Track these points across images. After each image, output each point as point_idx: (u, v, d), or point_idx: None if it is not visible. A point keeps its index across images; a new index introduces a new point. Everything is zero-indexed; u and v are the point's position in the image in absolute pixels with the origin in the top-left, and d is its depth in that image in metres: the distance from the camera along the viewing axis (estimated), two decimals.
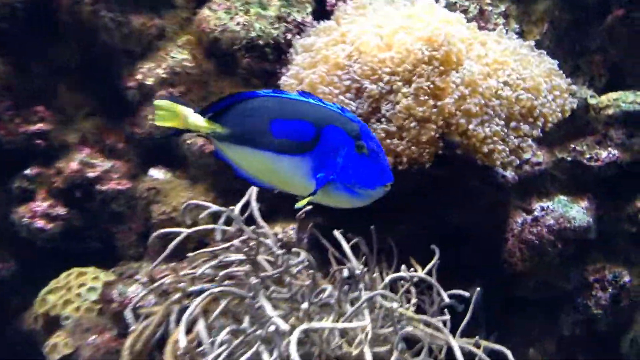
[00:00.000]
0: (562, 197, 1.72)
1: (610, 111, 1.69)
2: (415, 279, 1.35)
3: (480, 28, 1.65)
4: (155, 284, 1.34)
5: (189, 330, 1.26)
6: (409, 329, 1.20)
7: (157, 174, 1.77)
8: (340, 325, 1.15)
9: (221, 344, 1.19)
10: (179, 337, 1.19)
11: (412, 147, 1.32)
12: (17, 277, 1.84)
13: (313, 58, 1.43)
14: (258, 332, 1.17)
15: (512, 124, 1.36)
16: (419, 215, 1.60)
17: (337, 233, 1.41)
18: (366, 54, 1.35)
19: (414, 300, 1.34)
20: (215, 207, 1.42)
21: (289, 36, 1.66)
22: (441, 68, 1.33)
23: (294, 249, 1.35)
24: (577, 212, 1.68)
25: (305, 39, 1.53)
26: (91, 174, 1.76)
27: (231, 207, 1.40)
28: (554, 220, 1.67)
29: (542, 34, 1.75)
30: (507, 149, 1.34)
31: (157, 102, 1.22)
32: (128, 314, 1.34)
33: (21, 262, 1.84)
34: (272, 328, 1.10)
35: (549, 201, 1.71)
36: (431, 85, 1.32)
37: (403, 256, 1.49)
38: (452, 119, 1.32)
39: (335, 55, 1.38)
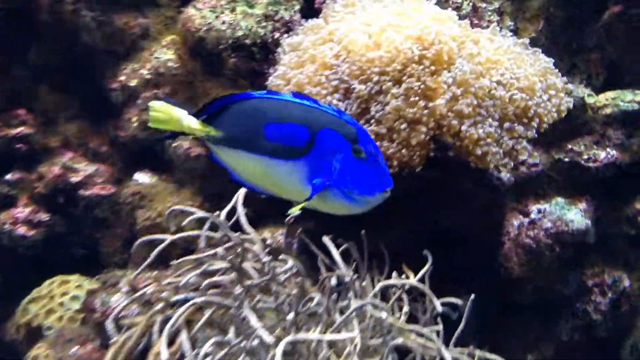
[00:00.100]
0: (560, 199, 1.69)
1: (608, 110, 1.66)
2: (407, 287, 1.32)
3: (474, 25, 1.62)
4: (137, 294, 1.31)
5: (172, 342, 1.24)
6: (399, 340, 1.17)
7: (142, 178, 1.73)
8: (328, 337, 1.11)
9: (205, 356, 1.15)
10: (161, 350, 1.16)
11: (403, 150, 1.29)
12: None
13: (300, 58, 1.39)
14: (243, 343, 1.14)
15: (506, 124, 1.32)
16: (412, 220, 1.57)
17: (326, 239, 1.38)
18: (354, 53, 1.31)
19: (406, 309, 1.31)
20: (200, 213, 1.38)
21: (277, 35, 1.62)
22: (432, 68, 1.29)
23: (281, 256, 1.31)
24: (575, 214, 1.65)
25: (293, 38, 1.49)
26: (74, 178, 1.73)
27: (216, 213, 1.37)
28: (551, 223, 1.64)
29: (538, 31, 1.71)
30: (501, 151, 1.31)
31: (151, 104, 1.19)
32: (109, 325, 1.30)
33: (2, 271, 1.81)
34: (256, 341, 1.07)
35: (546, 203, 1.68)
36: (422, 86, 1.28)
37: (396, 261, 1.46)
38: (443, 120, 1.28)
39: (322, 55, 1.34)
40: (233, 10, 1.62)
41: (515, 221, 1.69)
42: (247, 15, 1.62)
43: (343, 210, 1.14)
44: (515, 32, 1.72)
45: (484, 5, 1.66)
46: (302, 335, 1.11)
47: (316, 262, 1.49)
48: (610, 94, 1.68)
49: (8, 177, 1.75)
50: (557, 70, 1.44)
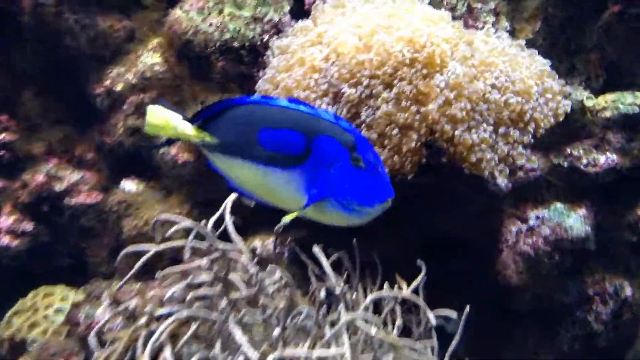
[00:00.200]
0: (559, 205, 1.66)
1: (607, 113, 1.63)
2: (399, 298, 1.28)
3: (469, 26, 1.59)
4: (120, 307, 1.27)
5: (156, 357, 1.20)
6: (390, 357, 1.13)
7: (129, 185, 1.70)
8: (317, 352, 1.08)
9: None
10: None
11: (395, 157, 1.25)
12: None
13: (289, 61, 1.36)
14: (228, 359, 1.11)
15: (501, 129, 1.29)
16: (407, 227, 1.55)
17: (316, 249, 1.34)
18: (344, 55, 1.28)
19: (399, 322, 1.27)
20: (186, 222, 1.34)
21: (266, 37, 1.59)
22: (424, 71, 1.26)
23: (269, 267, 1.27)
24: (574, 220, 1.63)
25: (282, 40, 1.46)
26: (59, 186, 1.70)
27: (202, 222, 1.33)
28: (550, 229, 1.62)
29: (535, 32, 1.68)
30: (496, 157, 1.27)
31: (149, 108, 1.17)
32: (92, 340, 1.26)
33: None
34: (242, 357, 1.04)
35: (545, 209, 1.66)
36: (414, 90, 1.25)
37: (391, 269, 1.43)
38: (436, 125, 1.25)
39: (311, 58, 1.31)
40: (221, 12, 1.59)
41: (513, 228, 1.67)
42: (235, 17, 1.58)
43: (342, 221, 1.12)
44: (512, 33, 1.69)
45: (479, 5, 1.62)
46: (289, 351, 1.08)
47: (308, 272, 1.46)
48: (609, 97, 1.65)
49: None
50: (554, 72, 1.41)
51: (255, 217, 1.59)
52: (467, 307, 1.27)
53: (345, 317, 1.15)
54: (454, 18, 1.49)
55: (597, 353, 1.71)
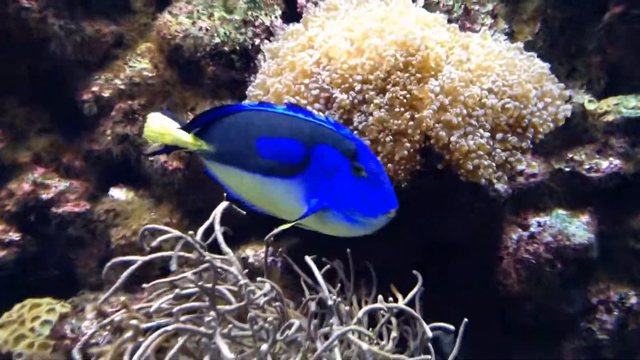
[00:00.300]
0: (561, 212, 1.65)
1: (610, 117, 1.61)
2: (395, 310, 1.26)
3: (466, 29, 1.58)
4: (106, 321, 1.25)
5: None
6: None
7: (118, 194, 1.68)
8: None
9: None
10: None
11: (388, 164, 1.23)
12: None
13: (279, 65, 1.35)
14: None
15: (499, 135, 1.27)
16: (405, 234, 1.52)
17: (308, 259, 1.32)
18: (335, 60, 1.26)
19: (394, 334, 1.25)
20: (174, 233, 1.32)
21: (257, 41, 1.58)
22: (418, 75, 1.24)
23: (258, 279, 1.25)
24: (577, 227, 1.61)
25: (273, 44, 1.45)
26: (45, 195, 1.67)
27: (190, 232, 1.31)
28: (552, 237, 1.60)
29: (534, 34, 1.66)
30: (494, 164, 1.25)
31: (149, 115, 1.17)
32: (76, 355, 1.24)
33: None
34: None
35: (547, 216, 1.64)
36: (407, 95, 1.23)
37: (388, 278, 1.42)
38: (431, 131, 1.23)
39: (302, 62, 1.29)
40: (210, 16, 1.57)
41: (513, 235, 1.65)
42: (225, 21, 1.57)
43: (344, 232, 1.10)
44: (511, 35, 1.67)
45: (476, 7, 1.61)
46: None
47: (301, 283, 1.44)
48: (612, 100, 1.63)
49: None
50: (553, 75, 1.39)
51: (248, 226, 1.56)
52: (465, 321, 1.24)
53: (337, 330, 1.12)
54: (450, 21, 1.47)
55: None
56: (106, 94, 1.63)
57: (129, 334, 1.23)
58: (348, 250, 1.38)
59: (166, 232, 1.36)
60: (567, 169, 1.64)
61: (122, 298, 1.43)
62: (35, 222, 1.69)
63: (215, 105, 1.60)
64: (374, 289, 1.42)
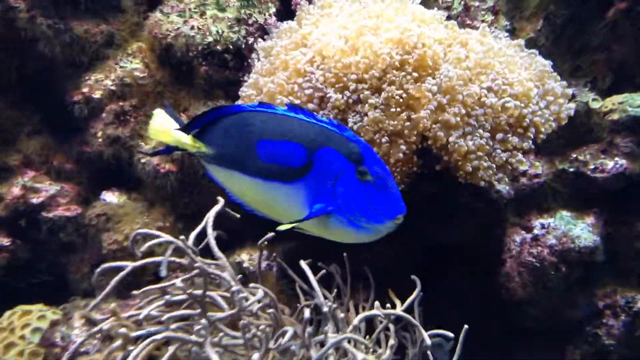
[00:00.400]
0: (565, 213, 1.62)
1: (615, 116, 1.58)
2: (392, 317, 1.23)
3: (466, 26, 1.55)
4: (95, 329, 1.23)
5: None
6: None
7: (109, 197, 1.67)
8: None
9: None
10: None
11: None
12: None
13: (272, 64, 1.33)
14: None
15: (499, 135, 1.25)
16: (405, 237, 1.49)
17: (303, 264, 1.30)
18: (329, 58, 1.24)
19: (392, 342, 1.22)
20: (164, 237, 1.30)
21: (251, 40, 1.56)
22: (415, 74, 1.22)
23: (251, 285, 1.23)
24: (581, 230, 1.58)
25: (266, 42, 1.42)
26: (36, 199, 1.65)
27: (182, 237, 1.29)
28: (556, 239, 1.58)
29: (536, 31, 1.64)
30: (494, 165, 1.23)
31: (155, 112, 1.16)
32: None
33: None
34: None
35: (550, 218, 1.62)
36: (404, 95, 1.21)
37: (387, 282, 1.40)
38: (428, 132, 1.20)
39: (295, 61, 1.27)
40: (202, 14, 1.55)
41: (517, 237, 1.63)
42: (217, 19, 1.55)
43: (349, 238, 1.08)
44: (512, 32, 1.64)
45: (476, 3, 1.58)
46: None
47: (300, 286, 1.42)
48: (617, 98, 1.60)
49: None
50: (555, 73, 1.36)
51: (243, 230, 1.54)
52: (466, 327, 1.22)
53: (332, 339, 1.10)
54: (449, 18, 1.45)
55: None
56: (97, 95, 1.61)
57: (118, 342, 1.21)
58: (345, 254, 1.36)
59: (157, 236, 1.34)
60: (572, 170, 1.61)
61: (113, 304, 1.41)
62: (25, 227, 1.68)
63: (209, 106, 1.58)
64: (371, 294, 1.40)
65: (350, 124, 1.23)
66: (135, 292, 1.28)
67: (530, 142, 1.27)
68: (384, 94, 1.21)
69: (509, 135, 1.25)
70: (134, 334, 1.19)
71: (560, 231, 1.58)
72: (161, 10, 1.59)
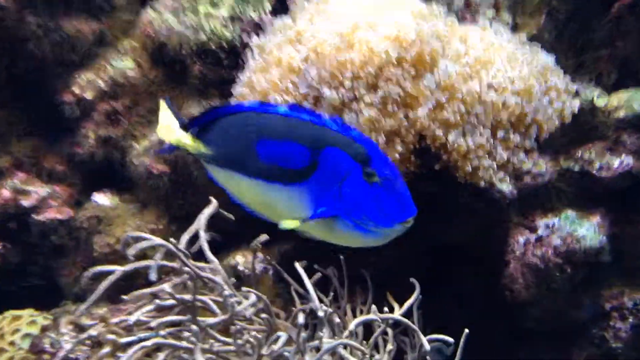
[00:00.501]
0: (570, 213, 1.59)
1: (621, 113, 1.55)
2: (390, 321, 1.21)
3: (466, 21, 1.52)
4: (83, 335, 1.21)
5: None
6: None
7: (101, 199, 1.65)
8: None
9: None
10: None
11: None
12: None
13: (265, 61, 1.31)
14: None
15: (500, 134, 1.23)
16: (404, 238, 1.47)
17: (298, 266, 1.28)
18: (324, 55, 1.22)
19: (389, 347, 1.20)
20: (155, 240, 1.28)
21: (246, 38, 1.53)
22: (412, 71, 1.20)
23: (244, 289, 1.21)
24: (587, 230, 1.56)
25: (260, 39, 1.41)
26: (27, 202, 1.64)
27: (172, 240, 1.27)
28: (560, 240, 1.55)
29: (539, 27, 1.61)
30: (495, 165, 1.21)
31: (161, 107, 1.15)
32: None
33: None
34: None
35: (555, 217, 1.59)
36: (401, 93, 1.19)
37: (386, 285, 1.38)
38: (427, 130, 1.18)
39: (288, 58, 1.25)
40: (196, 11, 1.54)
41: (520, 238, 1.60)
42: (211, 16, 1.53)
43: (356, 242, 1.06)
44: (514, 28, 1.62)
45: None
46: None
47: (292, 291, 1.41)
48: (622, 95, 1.57)
49: None
50: (558, 69, 1.34)
51: (238, 231, 1.52)
52: (466, 331, 1.20)
53: (327, 344, 1.08)
54: (449, 13, 1.42)
55: None
56: (88, 94, 1.60)
57: (107, 349, 1.20)
58: (341, 256, 1.34)
59: (148, 239, 1.33)
60: (577, 168, 1.58)
61: (104, 309, 1.39)
62: (16, 230, 1.66)
63: (203, 106, 1.57)
64: (370, 296, 1.38)
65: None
66: (125, 296, 1.26)
67: (533, 140, 1.25)
68: (380, 92, 1.19)
69: (510, 133, 1.23)
70: (123, 340, 1.17)
71: (565, 231, 1.56)
72: (153, 8, 1.58)
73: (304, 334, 1.10)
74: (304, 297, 1.36)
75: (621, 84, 1.62)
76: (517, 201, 1.58)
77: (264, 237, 1.34)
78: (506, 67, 1.25)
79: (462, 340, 1.19)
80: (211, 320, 1.14)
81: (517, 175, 1.58)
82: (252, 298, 1.17)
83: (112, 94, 1.60)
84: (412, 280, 1.29)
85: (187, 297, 1.15)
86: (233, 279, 1.38)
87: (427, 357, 1.22)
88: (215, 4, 1.54)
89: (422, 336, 1.18)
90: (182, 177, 1.57)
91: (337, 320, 1.16)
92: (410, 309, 1.28)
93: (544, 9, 1.63)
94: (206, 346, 1.09)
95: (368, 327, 1.32)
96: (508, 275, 1.60)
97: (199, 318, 1.18)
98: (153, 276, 1.19)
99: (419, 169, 1.25)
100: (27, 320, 1.57)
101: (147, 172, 1.57)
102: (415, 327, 1.20)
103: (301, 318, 1.07)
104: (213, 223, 1.38)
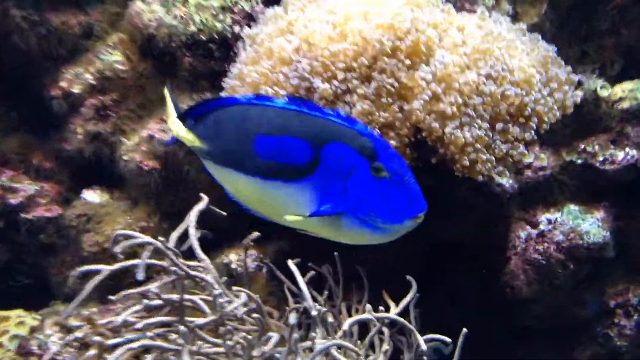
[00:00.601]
0: (573, 207, 1.58)
1: (625, 104, 1.53)
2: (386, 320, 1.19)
3: (464, 10, 1.49)
4: (69, 337, 1.19)
5: None
6: None
7: (91, 196, 1.63)
8: None
9: None
10: None
11: None
12: None
13: (257, 52, 1.28)
14: None
15: (499, 126, 1.20)
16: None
17: (290, 263, 1.25)
18: (316, 46, 1.19)
19: (385, 347, 1.18)
20: (143, 238, 1.26)
21: (237, 29, 1.51)
22: (407, 61, 1.17)
23: (234, 288, 1.19)
24: (590, 225, 1.54)
25: (252, 30, 1.38)
26: (14, 200, 1.61)
27: (161, 238, 1.25)
28: (563, 235, 1.54)
29: (541, 15, 1.58)
30: (493, 158, 1.18)
31: (167, 98, 1.14)
32: None
33: None
34: None
35: (557, 212, 1.58)
36: (395, 84, 1.16)
37: (383, 282, 1.35)
38: (422, 123, 1.15)
39: (279, 49, 1.22)
40: (185, 2, 1.51)
41: (521, 233, 1.59)
42: (201, 7, 1.50)
43: (363, 240, 1.04)
44: (515, 17, 1.59)
45: None
46: None
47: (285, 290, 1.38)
48: (627, 85, 1.55)
49: None
50: (559, 58, 1.31)
51: (232, 228, 1.50)
52: (465, 331, 1.17)
53: (320, 345, 1.05)
54: (447, 1, 1.39)
55: None
56: (76, 89, 1.57)
57: (93, 351, 1.17)
58: (336, 253, 1.31)
59: (135, 237, 1.30)
60: (579, 161, 1.57)
61: (93, 309, 1.37)
62: (4, 229, 1.64)
63: (194, 99, 1.54)
64: (365, 295, 1.35)
65: None
66: (112, 297, 1.23)
67: (533, 132, 1.23)
68: (374, 84, 1.16)
69: (510, 125, 1.20)
70: (109, 342, 1.15)
71: (567, 226, 1.54)
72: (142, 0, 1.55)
73: (295, 335, 1.07)
74: (298, 296, 1.34)
75: (625, 75, 1.60)
76: (518, 195, 1.57)
77: (255, 234, 1.32)
78: (505, 56, 1.22)
79: (460, 339, 1.17)
80: (200, 320, 1.12)
81: (518, 169, 1.56)
82: (243, 297, 1.14)
83: (100, 88, 1.57)
84: (409, 278, 1.27)
85: (175, 297, 1.12)
86: (225, 278, 1.36)
87: (424, 357, 1.19)
88: None
89: (418, 336, 1.16)
90: (173, 173, 1.55)
91: (331, 319, 1.13)
92: (407, 308, 1.26)
93: None
94: (194, 348, 1.06)
95: (365, 326, 1.30)
96: (509, 272, 1.58)
97: (189, 318, 1.16)
98: (140, 276, 1.16)
99: (414, 162, 1.22)
100: (16, 322, 1.55)
101: (137, 168, 1.54)
102: (411, 326, 1.17)
103: (292, 318, 1.04)
104: (206, 220, 1.36)
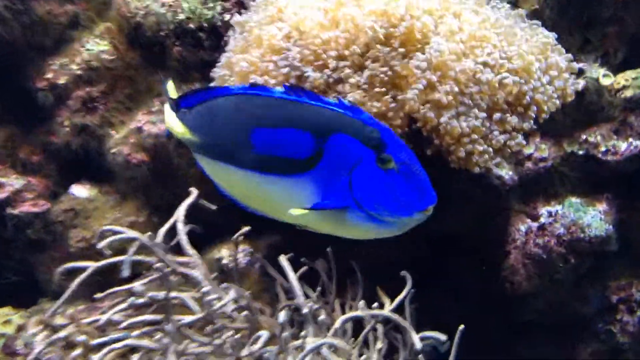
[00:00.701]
0: (574, 200, 1.55)
1: (628, 93, 1.51)
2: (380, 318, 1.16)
3: None
4: (54, 337, 1.16)
5: None
6: None
7: (79, 191, 1.60)
8: None
9: None
10: None
11: None
12: None
13: (246, 40, 1.25)
14: None
15: (496, 115, 1.17)
16: None
17: (282, 259, 1.23)
18: (307, 33, 1.16)
19: (379, 345, 1.15)
20: (129, 234, 1.23)
21: (228, 17, 1.48)
22: (401, 49, 1.14)
23: (223, 285, 1.16)
24: (592, 217, 1.52)
25: (242, 17, 1.35)
26: (0, 195, 1.59)
27: (149, 233, 1.22)
28: (564, 228, 1.51)
29: (541, 2, 1.54)
30: (491, 149, 1.15)
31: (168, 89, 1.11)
32: None
33: None
34: None
35: (558, 205, 1.55)
36: (389, 72, 1.12)
37: (379, 278, 1.33)
38: (417, 113, 1.12)
39: (269, 36, 1.19)
40: None
41: (521, 226, 1.57)
42: None
43: (369, 234, 1.00)
44: (514, 3, 1.55)
45: None
46: None
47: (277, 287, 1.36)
48: (630, 74, 1.52)
49: None
50: (560, 46, 1.28)
51: (224, 223, 1.47)
52: (461, 327, 1.14)
53: (310, 344, 1.02)
54: None
55: None
56: (62, 80, 1.55)
57: (78, 351, 1.15)
58: (329, 249, 1.29)
59: (122, 232, 1.28)
60: (581, 152, 1.54)
61: (80, 307, 1.35)
62: None
63: (183, 90, 1.51)
64: (359, 291, 1.32)
65: None
66: (98, 295, 1.21)
67: (532, 122, 1.20)
68: (367, 72, 1.12)
69: (508, 114, 1.17)
70: (94, 341, 1.12)
71: (569, 219, 1.52)
72: None
73: (285, 333, 1.04)
74: (291, 292, 1.31)
75: (628, 63, 1.57)
76: (518, 187, 1.55)
77: (246, 229, 1.30)
78: (503, 44, 1.19)
79: (456, 336, 1.15)
80: (187, 318, 1.09)
81: (519, 160, 1.53)
82: (232, 294, 1.11)
83: (87, 79, 1.55)
84: (404, 273, 1.24)
85: (162, 294, 1.09)
86: (216, 273, 1.33)
87: (420, 356, 1.17)
88: None
89: (413, 334, 1.13)
90: (163, 165, 1.53)
91: (323, 317, 1.10)
92: (402, 304, 1.23)
93: None
94: (181, 347, 1.04)
95: (359, 323, 1.28)
96: (508, 267, 1.56)
97: (178, 316, 1.13)
98: (125, 272, 1.14)
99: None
100: (2, 320, 1.53)
101: (125, 161, 1.52)
102: (406, 324, 1.14)
103: (282, 316, 1.01)
104: (197, 215, 1.34)
